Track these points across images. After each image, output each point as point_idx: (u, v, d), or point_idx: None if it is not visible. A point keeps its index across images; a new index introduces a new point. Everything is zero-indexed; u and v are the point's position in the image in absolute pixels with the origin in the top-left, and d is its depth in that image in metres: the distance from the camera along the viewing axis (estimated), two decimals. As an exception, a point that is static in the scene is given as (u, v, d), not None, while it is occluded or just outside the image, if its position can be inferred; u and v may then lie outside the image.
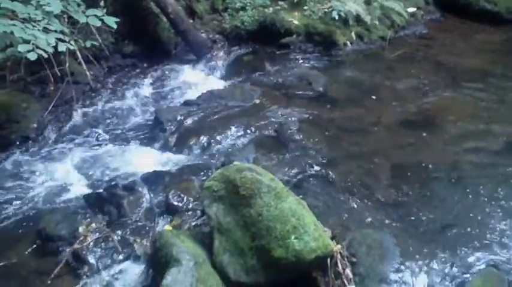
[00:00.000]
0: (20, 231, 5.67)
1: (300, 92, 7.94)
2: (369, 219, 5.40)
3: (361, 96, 7.95)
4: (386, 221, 5.38)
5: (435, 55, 9.41)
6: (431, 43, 10.02)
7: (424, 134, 6.88)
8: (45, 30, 6.15)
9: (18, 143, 7.09)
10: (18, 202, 6.09)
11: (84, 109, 7.76)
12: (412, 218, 5.45)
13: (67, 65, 7.35)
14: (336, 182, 5.94)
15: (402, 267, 4.77)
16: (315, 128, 6.98)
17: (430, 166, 6.20)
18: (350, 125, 7.15)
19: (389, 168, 6.20)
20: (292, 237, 4.36)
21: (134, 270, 5.01)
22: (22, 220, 5.83)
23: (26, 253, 5.40)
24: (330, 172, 6.07)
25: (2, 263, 5.28)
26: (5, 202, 6.09)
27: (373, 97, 7.82)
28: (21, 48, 5.78)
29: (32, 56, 5.81)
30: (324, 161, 6.26)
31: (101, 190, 5.89)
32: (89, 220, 5.50)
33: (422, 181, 5.98)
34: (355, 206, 5.60)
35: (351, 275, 4.56)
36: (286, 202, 4.54)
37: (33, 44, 5.84)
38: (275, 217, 4.45)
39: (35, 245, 5.46)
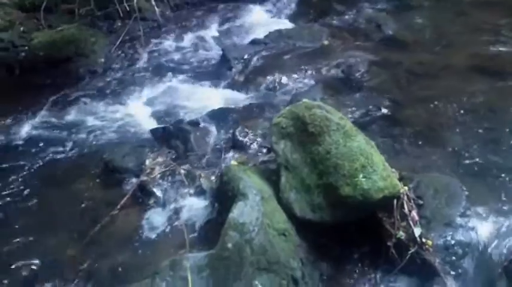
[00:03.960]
0: (88, 163, 5.79)
1: (369, 35, 7.81)
2: (437, 163, 5.30)
3: (431, 41, 7.75)
4: (454, 166, 5.27)
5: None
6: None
7: (495, 82, 6.67)
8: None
9: (86, 76, 7.16)
10: (85, 135, 6.20)
11: (151, 46, 7.79)
12: (480, 164, 5.32)
13: (135, 1, 7.35)
14: (403, 125, 5.84)
15: (469, 212, 4.66)
16: (383, 71, 6.85)
17: (501, 113, 6.03)
18: (419, 69, 6.98)
19: (458, 113, 6.04)
20: (361, 176, 4.30)
21: (199, 203, 5.06)
22: (90, 152, 5.95)
23: (93, 184, 5.51)
24: (398, 115, 5.99)
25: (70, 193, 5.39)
26: (73, 135, 6.21)
27: (444, 42, 7.60)
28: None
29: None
30: (392, 104, 6.16)
31: (168, 125, 5.92)
32: (155, 153, 5.56)
33: (491, 127, 5.82)
34: (423, 149, 5.50)
35: (416, 218, 4.49)
36: (355, 141, 4.47)
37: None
38: (344, 154, 4.39)
39: (102, 177, 5.55)
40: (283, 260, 4.24)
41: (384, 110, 6.04)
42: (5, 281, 4.40)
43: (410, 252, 4.36)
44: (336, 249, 4.62)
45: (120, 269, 4.47)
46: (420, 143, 5.61)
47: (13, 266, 4.51)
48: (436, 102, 6.21)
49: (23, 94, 6.89)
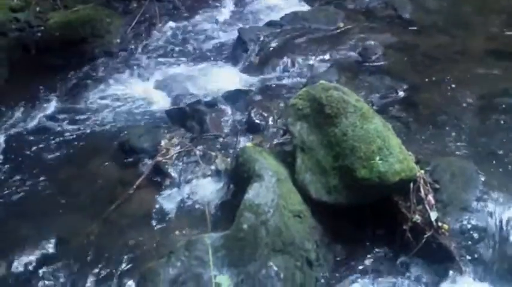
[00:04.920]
0: (104, 143, 5.80)
1: (385, 18, 7.75)
2: (453, 147, 5.26)
3: (448, 24, 7.67)
4: (471, 150, 5.22)
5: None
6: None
7: (513, 66, 6.63)
8: None
9: (101, 57, 7.18)
10: (101, 115, 6.21)
11: (167, 27, 7.78)
12: (497, 148, 5.27)
13: (151, -19, 7.34)
14: (420, 108, 5.81)
15: (486, 197, 4.63)
16: (400, 54, 6.81)
17: (518, 97, 6.00)
18: (436, 52, 6.92)
19: (475, 97, 5.99)
20: (377, 158, 4.28)
21: (215, 184, 5.06)
22: (105, 133, 5.96)
23: (109, 164, 5.52)
24: (414, 99, 5.96)
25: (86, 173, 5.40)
26: (89, 115, 6.22)
27: (461, 25, 7.53)
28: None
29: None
30: (408, 87, 6.12)
31: (184, 106, 5.91)
32: (171, 134, 5.57)
33: (508, 111, 5.78)
34: (439, 133, 5.46)
35: (433, 202, 4.47)
36: (372, 123, 4.45)
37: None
38: (360, 137, 4.37)
39: (117, 157, 5.56)
40: (298, 242, 4.25)
41: (400, 93, 6.02)
42: (21, 260, 4.42)
43: (426, 236, 4.35)
44: (351, 232, 4.62)
45: (135, 248, 4.49)
46: (437, 126, 5.57)
47: (29, 245, 4.53)
48: (452, 86, 6.16)
49: (38, 74, 6.90)
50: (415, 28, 7.50)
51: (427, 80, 6.32)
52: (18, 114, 6.28)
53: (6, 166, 5.54)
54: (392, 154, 4.32)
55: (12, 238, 4.64)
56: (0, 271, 4.34)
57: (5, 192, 5.19)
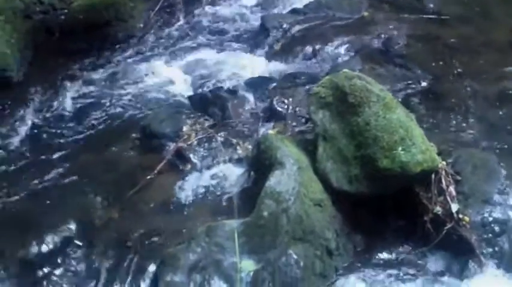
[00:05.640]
0: (125, 127, 5.80)
1: (409, 8, 7.67)
2: (475, 139, 5.25)
3: (473, 15, 7.59)
4: (493, 143, 5.20)
5: None
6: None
7: (538, 58, 6.57)
8: None
9: (124, 41, 7.18)
10: (123, 99, 6.22)
11: (190, 12, 7.75)
12: (521, 142, 5.26)
13: (175, -35, 7.33)
14: (442, 100, 5.79)
15: (507, 189, 4.62)
16: (423, 45, 6.77)
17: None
18: (459, 44, 6.86)
19: (497, 90, 5.97)
20: (399, 148, 4.27)
21: (235, 171, 5.06)
22: (127, 117, 5.96)
23: (130, 148, 5.52)
24: (437, 90, 5.94)
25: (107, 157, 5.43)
26: (111, 99, 6.23)
27: (486, 16, 7.47)
28: None
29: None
30: (431, 78, 6.10)
31: (206, 92, 5.92)
32: (193, 119, 5.56)
33: (534, 104, 5.75)
34: (462, 125, 5.45)
35: (454, 193, 4.46)
36: (395, 113, 4.44)
37: None
38: (383, 127, 4.36)
39: (139, 142, 5.56)
40: (318, 231, 4.27)
41: (423, 84, 6.00)
42: (42, 243, 4.44)
43: (446, 228, 4.34)
44: (371, 222, 4.62)
45: (155, 233, 4.50)
46: (459, 118, 5.55)
47: (50, 229, 4.54)
48: (475, 78, 6.13)
49: (62, 57, 6.91)
50: (439, 18, 7.42)
51: (449, 71, 6.29)
52: (40, 97, 6.29)
53: (27, 150, 5.57)
54: (414, 145, 4.31)
55: (34, 222, 4.67)
56: (22, 254, 4.36)
57: (27, 176, 5.21)
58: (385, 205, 4.58)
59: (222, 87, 5.91)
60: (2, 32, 6.34)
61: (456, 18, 7.51)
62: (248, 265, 3.08)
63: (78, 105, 6.16)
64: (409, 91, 5.86)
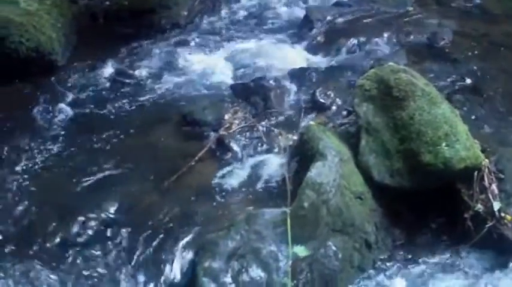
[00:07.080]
0: (167, 114, 5.81)
1: (455, 3, 7.62)
2: (519, 138, 5.18)
3: (521, 13, 7.52)
4: (537, 142, 5.14)
5: None
6: None
7: None
8: None
9: (168, 29, 7.21)
10: (165, 86, 6.24)
11: (234, 2, 7.77)
12: None
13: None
14: (487, 97, 5.75)
15: (551, 190, 4.56)
16: (469, 41, 6.71)
17: None
18: (505, 41, 6.78)
19: (543, 89, 5.89)
20: (443, 144, 4.25)
21: (276, 161, 5.04)
22: (169, 104, 5.97)
23: (171, 135, 5.55)
24: (482, 87, 5.89)
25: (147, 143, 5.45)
26: (153, 85, 6.26)
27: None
28: None
29: None
30: (477, 75, 6.05)
31: (248, 81, 5.92)
32: (235, 108, 5.58)
33: None
34: (506, 123, 5.40)
35: (496, 191, 4.42)
36: (440, 108, 4.41)
37: None
38: (427, 121, 4.34)
39: (180, 128, 5.58)
40: (358, 224, 4.27)
41: (468, 81, 5.94)
42: (83, 227, 4.48)
43: (487, 226, 4.30)
44: (411, 216, 4.60)
45: (195, 219, 4.51)
46: (503, 116, 5.52)
47: (91, 213, 4.58)
48: (522, 76, 6.06)
49: (105, 43, 6.94)
50: (485, 15, 7.36)
51: (495, 69, 6.24)
52: (84, 81, 6.33)
53: (70, 133, 5.60)
54: (458, 141, 4.29)
55: (75, 204, 4.71)
56: (64, 236, 4.41)
57: (69, 158, 5.27)
58: (426, 201, 4.54)
59: (264, 77, 5.89)
60: (48, 16, 6.38)
61: (503, 15, 7.44)
62: (300, 251, 3.07)
63: (121, 91, 6.17)
64: (454, 87, 5.81)
